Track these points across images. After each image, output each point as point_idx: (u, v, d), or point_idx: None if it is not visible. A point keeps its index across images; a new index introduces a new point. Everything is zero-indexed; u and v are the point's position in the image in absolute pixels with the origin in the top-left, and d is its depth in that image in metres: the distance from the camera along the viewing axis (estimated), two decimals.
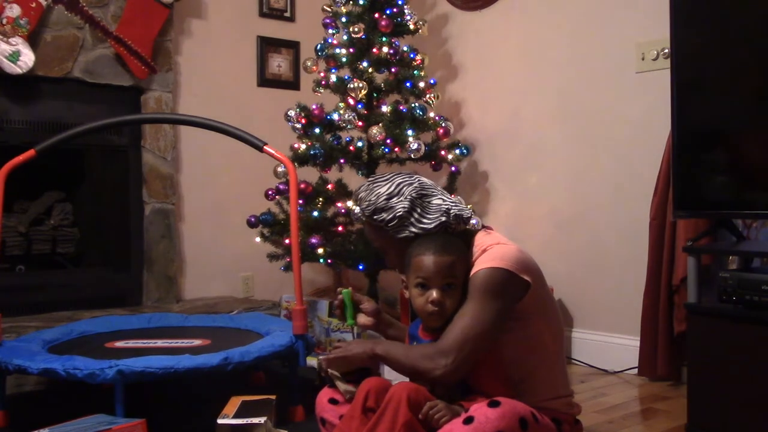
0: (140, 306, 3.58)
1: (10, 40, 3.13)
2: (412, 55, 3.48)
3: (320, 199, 3.45)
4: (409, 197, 1.83)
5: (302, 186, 3.35)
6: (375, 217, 1.85)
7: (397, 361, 1.72)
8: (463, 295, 1.75)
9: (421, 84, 3.44)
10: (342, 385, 1.80)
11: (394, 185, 1.85)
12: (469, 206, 1.93)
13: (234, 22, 3.98)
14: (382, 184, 1.87)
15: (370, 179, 1.93)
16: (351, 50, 3.45)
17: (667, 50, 2.92)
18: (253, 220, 3.43)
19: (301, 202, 3.37)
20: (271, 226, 3.42)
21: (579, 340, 3.43)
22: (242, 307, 3.49)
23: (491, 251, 1.76)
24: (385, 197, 1.84)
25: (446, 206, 1.84)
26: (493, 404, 1.57)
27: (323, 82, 3.50)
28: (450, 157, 3.46)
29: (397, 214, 1.82)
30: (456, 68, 4.02)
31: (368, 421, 1.62)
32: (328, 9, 3.57)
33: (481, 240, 1.83)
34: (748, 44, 2.24)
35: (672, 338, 2.94)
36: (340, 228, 3.41)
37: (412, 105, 3.38)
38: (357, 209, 1.92)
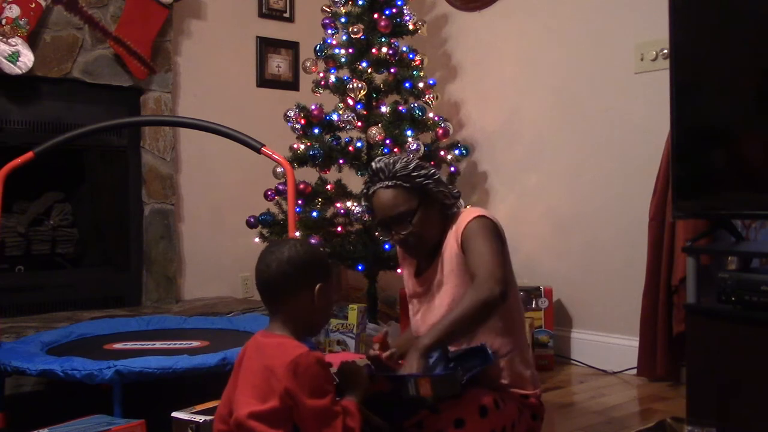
0: (139, 306, 3.58)
1: (9, 40, 3.12)
2: (411, 56, 3.47)
3: (319, 199, 3.45)
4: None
5: (301, 186, 3.34)
6: (413, 173, 1.80)
7: (458, 322, 1.62)
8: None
9: (421, 84, 3.44)
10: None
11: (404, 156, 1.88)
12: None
13: (233, 22, 3.98)
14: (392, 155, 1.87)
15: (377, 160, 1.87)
16: (350, 51, 3.45)
17: (666, 51, 2.92)
18: (252, 220, 3.43)
19: (300, 202, 3.37)
20: (271, 227, 3.41)
21: (578, 340, 3.42)
22: (242, 307, 3.49)
23: (468, 209, 1.85)
24: (406, 158, 1.85)
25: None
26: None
27: (322, 83, 3.50)
28: (449, 157, 3.46)
29: (431, 171, 1.83)
30: (455, 69, 4.01)
31: None
32: (328, 9, 3.57)
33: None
34: (748, 44, 2.24)
35: (671, 338, 2.93)
36: (339, 228, 3.41)
37: (412, 105, 3.38)
38: (379, 175, 1.83)
